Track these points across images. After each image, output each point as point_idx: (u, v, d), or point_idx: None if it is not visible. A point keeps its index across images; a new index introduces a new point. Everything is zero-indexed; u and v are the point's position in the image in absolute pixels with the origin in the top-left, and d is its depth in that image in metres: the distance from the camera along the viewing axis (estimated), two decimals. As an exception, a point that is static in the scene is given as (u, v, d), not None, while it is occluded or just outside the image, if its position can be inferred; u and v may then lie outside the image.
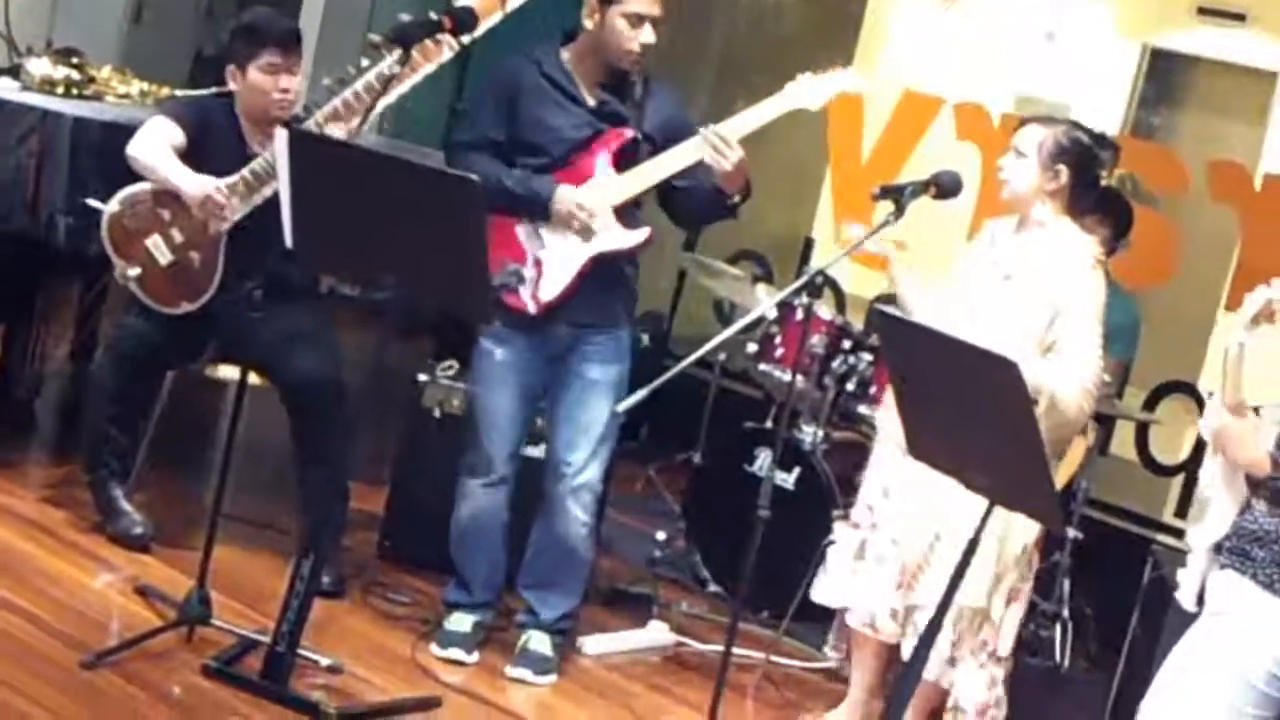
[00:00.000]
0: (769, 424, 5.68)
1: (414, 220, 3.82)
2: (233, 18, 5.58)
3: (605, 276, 4.46)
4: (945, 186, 4.10)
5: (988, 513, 3.48)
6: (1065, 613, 5.54)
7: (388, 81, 4.27)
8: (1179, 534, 5.58)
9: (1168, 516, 6.32)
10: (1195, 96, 7.15)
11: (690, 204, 4.51)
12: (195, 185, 4.60)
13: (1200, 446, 5.84)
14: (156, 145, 4.66)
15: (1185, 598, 3.86)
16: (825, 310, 5.62)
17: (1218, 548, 3.79)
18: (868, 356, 5.47)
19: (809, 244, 7.29)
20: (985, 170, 5.93)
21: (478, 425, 4.56)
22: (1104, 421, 5.85)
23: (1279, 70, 6.57)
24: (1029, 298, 4.18)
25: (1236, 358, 3.62)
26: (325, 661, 4.22)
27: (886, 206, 4.02)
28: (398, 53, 4.16)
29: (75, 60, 5.45)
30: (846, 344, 5.50)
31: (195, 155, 4.66)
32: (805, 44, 7.37)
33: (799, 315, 5.42)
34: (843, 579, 4.41)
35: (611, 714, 4.53)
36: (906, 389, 3.68)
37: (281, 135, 4.00)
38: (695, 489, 5.85)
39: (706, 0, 7.75)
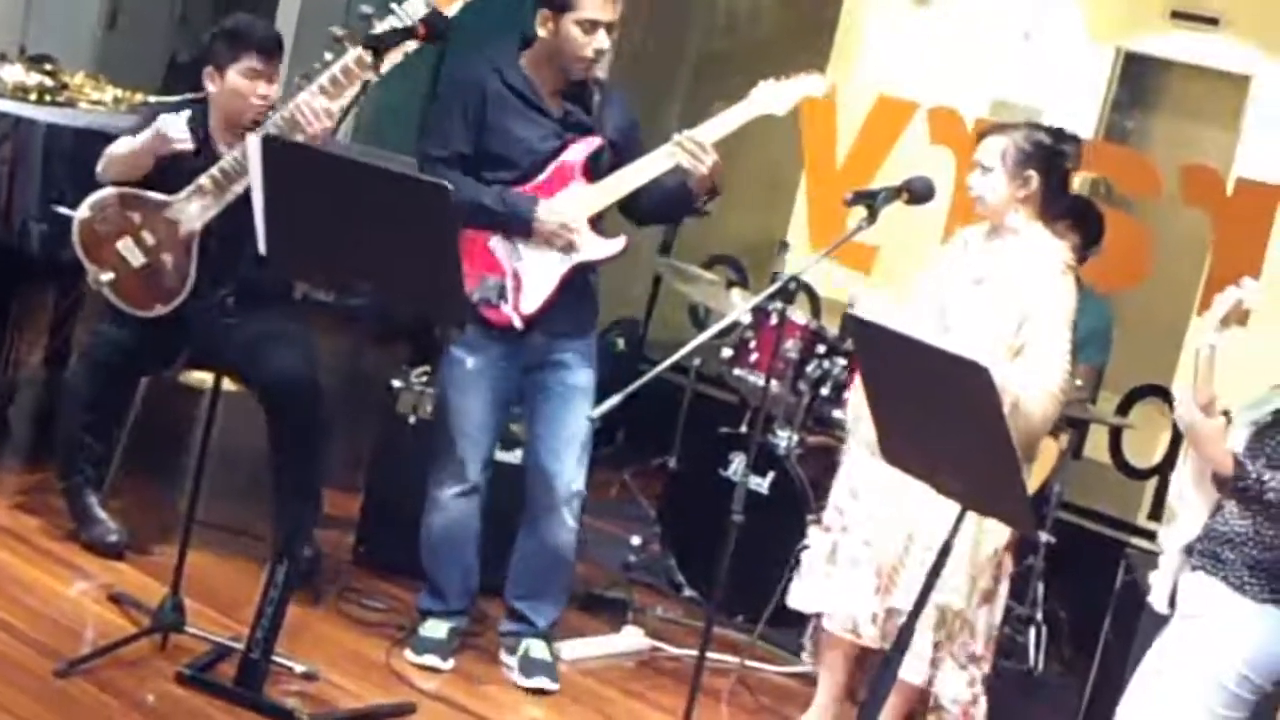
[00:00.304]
0: (744, 429, 5.69)
1: (388, 226, 3.82)
2: (207, 24, 5.56)
3: (576, 285, 4.47)
4: (918, 192, 4.12)
5: (960, 517, 3.48)
6: (1039, 616, 5.56)
7: (364, 86, 4.27)
8: (1153, 537, 5.57)
9: (1141, 520, 6.33)
10: (1168, 100, 7.18)
11: (650, 204, 4.51)
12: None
13: (1175, 446, 5.86)
14: (114, 145, 4.64)
15: (1157, 600, 3.88)
16: (800, 315, 5.62)
17: (1189, 550, 3.81)
18: (842, 361, 5.46)
19: (784, 248, 7.30)
20: (959, 175, 5.94)
21: (450, 433, 4.54)
22: (1078, 425, 5.87)
23: (1252, 74, 6.59)
24: (1000, 302, 4.19)
25: (1208, 359, 3.64)
26: (300, 668, 4.21)
27: (860, 212, 4.04)
28: (365, 52, 4.16)
29: (49, 67, 5.45)
30: (821, 349, 5.49)
31: (161, 158, 4.63)
32: (780, 47, 7.38)
33: (774, 320, 5.43)
34: (817, 583, 4.40)
35: (586, 719, 4.53)
36: (879, 394, 3.68)
37: (254, 142, 3.99)
38: (670, 494, 5.85)
39: (682, 4, 7.76)
